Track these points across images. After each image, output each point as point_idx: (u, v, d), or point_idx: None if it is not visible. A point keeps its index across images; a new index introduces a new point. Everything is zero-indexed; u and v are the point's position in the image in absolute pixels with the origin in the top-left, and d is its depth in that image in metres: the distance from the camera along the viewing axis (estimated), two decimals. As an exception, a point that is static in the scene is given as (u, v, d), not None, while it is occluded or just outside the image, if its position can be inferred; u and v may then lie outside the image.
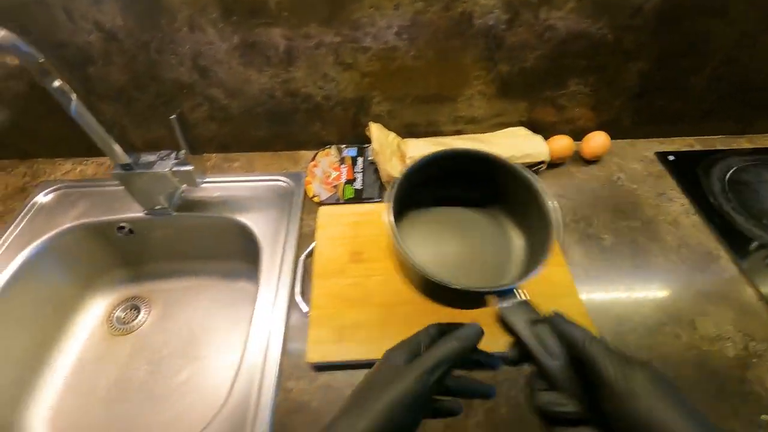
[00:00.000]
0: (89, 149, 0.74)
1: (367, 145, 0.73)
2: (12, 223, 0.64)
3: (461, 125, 0.72)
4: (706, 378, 0.47)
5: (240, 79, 0.63)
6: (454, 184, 0.44)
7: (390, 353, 0.31)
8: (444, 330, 0.32)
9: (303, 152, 0.75)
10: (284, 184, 0.69)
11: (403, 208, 0.42)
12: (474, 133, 0.72)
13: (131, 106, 0.67)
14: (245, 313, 0.69)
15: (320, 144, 0.74)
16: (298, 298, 0.53)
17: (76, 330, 0.67)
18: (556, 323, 0.29)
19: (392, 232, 0.35)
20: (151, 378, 0.63)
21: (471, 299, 0.34)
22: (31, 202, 0.67)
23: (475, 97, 0.67)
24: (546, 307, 0.49)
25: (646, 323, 0.51)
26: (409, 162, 0.39)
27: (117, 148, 0.55)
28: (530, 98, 0.67)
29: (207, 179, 0.65)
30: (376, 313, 0.51)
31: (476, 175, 0.43)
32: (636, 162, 0.71)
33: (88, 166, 0.74)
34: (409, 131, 0.72)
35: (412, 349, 0.30)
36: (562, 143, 0.68)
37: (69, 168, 0.74)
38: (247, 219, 0.64)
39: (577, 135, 0.70)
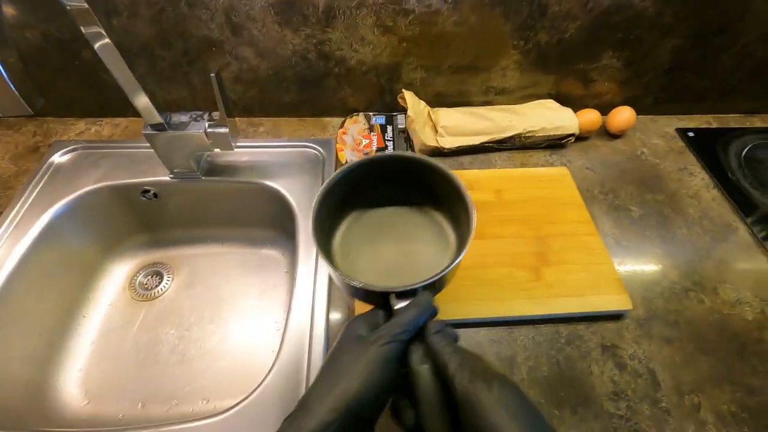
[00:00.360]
0: (102, 109, 0.71)
1: (395, 113, 0.72)
2: (30, 183, 0.61)
3: (491, 96, 0.72)
4: (727, 339, 0.50)
5: (274, 39, 0.60)
6: (387, 185, 0.44)
7: (352, 323, 0.32)
8: (389, 314, 0.33)
9: (328, 119, 0.74)
10: (314, 151, 0.68)
11: (340, 212, 0.44)
12: (503, 104, 0.72)
13: (155, 64, 0.63)
14: (274, 280, 0.70)
15: (346, 111, 0.73)
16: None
17: (99, 295, 0.66)
18: (431, 342, 0.29)
19: (313, 236, 0.36)
20: (181, 342, 0.63)
21: (378, 298, 0.34)
22: (48, 162, 0.64)
23: (510, 68, 0.67)
24: (583, 275, 0.52)
25: (673, 289, 0.54)
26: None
27: (150, 106, 0.52)
28: (563, 70, 0.68)
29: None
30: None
31: (404, 174, 0.43)
32: (658, 138, 0.73)
33: (104, 127, 0.71)
34: (438, 101, 0.72)
35: (371, 322, 0.32)
36: (591, 117, 0.69)
37: (83, 128, 0.70)
38: (279, 185, 0.63)
39: (602, 110, 0.71)
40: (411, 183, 0.44)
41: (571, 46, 0.63)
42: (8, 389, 0.49)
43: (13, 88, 0.29)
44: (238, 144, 0.67)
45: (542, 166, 0.67)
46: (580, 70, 0.68)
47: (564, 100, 0.71)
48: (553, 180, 0.63)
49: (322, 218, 0.39)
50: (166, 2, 0.56)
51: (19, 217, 0.57)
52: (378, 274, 0.41)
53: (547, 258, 0.53)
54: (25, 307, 0.54)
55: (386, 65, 0.65)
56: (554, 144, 0.69)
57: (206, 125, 0.56)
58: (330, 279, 0.53)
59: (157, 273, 0.70)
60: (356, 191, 0.43)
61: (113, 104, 0.70)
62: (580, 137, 0.70)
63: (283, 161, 0.66)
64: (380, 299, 0.34)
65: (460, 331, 0.48)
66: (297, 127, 0.72)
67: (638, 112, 0.72)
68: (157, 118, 0.54)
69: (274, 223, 0.69)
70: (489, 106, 0.71)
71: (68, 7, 0.40)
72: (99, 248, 0.67)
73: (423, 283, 0.33)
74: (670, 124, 0.75)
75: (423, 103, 0.70)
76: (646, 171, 0.68)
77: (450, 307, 0.49)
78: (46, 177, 0.62)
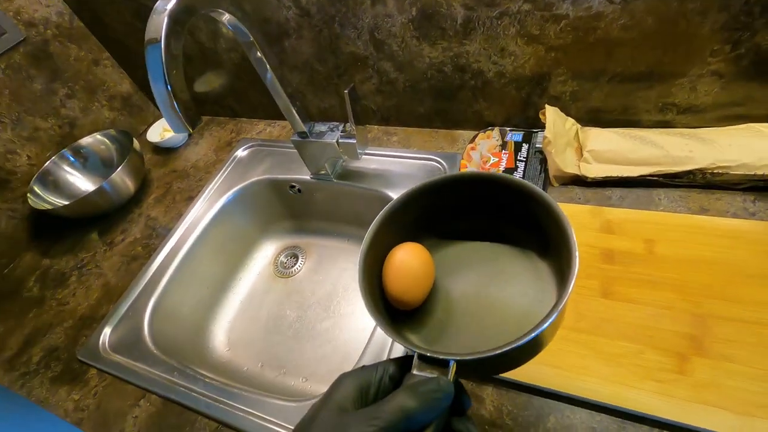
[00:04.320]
0: (277, 113, 0.85)
1: (536, 131, 0.64)
2: (219, 171, 0.79)
3: (671, 115, 0.56)
4: None
5: (412, 53, 0.61)
6: (474, 213, 0.35)
7: (341, 382, 0.26)
8: (404, 370, 0.26)
9: (461, 132, 0.71)
10: (438, 165, 0.66)
11: (413, 237, 0.35)
12: (688, 126, 0.55)
13: (313, 77, 0.73)
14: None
15: (482, 124, 0.68)
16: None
17: (251, 265, 0.81)
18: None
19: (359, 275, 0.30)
20: (297, 321, 0.72)
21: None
22: (233, 155, 0.81)
23: (704, 79, 0.50)
24: (757, 386, 0.36)
25: None
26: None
27: (297, 117, 0.60)
28: (799, 84, 0.47)
29: (367, 151, 0.68)
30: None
31: (506, 205, 0.33)
32: None
33: (275, 128, 0.86)
34: (593, 118, 0.60)
35: (362, 385, 0.25)
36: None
37: (262, 128, 0.87)
38: (396, 194, 0.64)
39: None
40: (508, 214, 0.34)
41: (818, 49, 0.43)
42: (179, 326, 0.66)
43: (180, 114, 0.37)
44: (368, 152, 0.71)
45: (734, 215, 0.49)
46: (835, 84, 0.46)
47: (797, 124, 0.50)
48: (743, 239, 0.45)
49: (378, 246, 0.33)
50: (323, 24, 0.63)
51: (209, 196, 0.75)
52: (437, 324, 0.33)
53: (704, 346, 0.39)
54: (201, 265, 0.72)
55: (529, 77, 0.58)
56: (762, 186, 0.49)
57: (339, 135, 0.61)
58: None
59: (294, 255, 0.82)
60: (433, 216, 0.36)
61: (284, 109, 0.83)
62: (818, 180, 0.48)
63: (407, 172, 0.67)
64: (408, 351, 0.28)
65: (552, 404, 0.40)
66: (428, 138, 0.72)
67: None
68: (302, 128, 0.62)
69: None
70: (662, 129, 0.56)
71: (241, 41, 0.50)
72: (256, 228, 0.82)
73: (458, 358, 0.24)
74: None
75: (571, 121, 0.60)
76: None
77: (549, 372, 0.41)
78: (231, 167, 0.80)
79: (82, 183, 0.81)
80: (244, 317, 0.75)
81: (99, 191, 0.71)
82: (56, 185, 0.78)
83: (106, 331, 0.60)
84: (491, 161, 0.63)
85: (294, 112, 0.59)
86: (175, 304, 0.66)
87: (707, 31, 0.46)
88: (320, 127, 0.63)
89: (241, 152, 0.82)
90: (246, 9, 0.63)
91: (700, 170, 0.50)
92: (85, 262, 0.72)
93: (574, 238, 0.27)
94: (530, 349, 0.27)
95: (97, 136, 0.81)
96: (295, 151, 0.77)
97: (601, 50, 0.51)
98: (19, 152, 0.76)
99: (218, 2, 0.43)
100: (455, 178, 0.34)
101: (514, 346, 0.23)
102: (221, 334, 0.73)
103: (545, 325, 0.24)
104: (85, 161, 0.81)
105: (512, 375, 0.42)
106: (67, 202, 0.73)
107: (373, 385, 0.26)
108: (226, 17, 0.45)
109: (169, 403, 0.51)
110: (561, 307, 0.24)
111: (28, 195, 0.73)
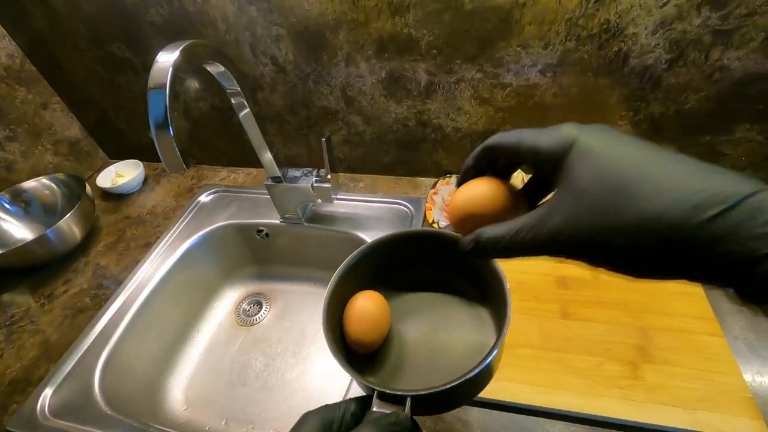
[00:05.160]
0: (242, 161, 0.87)
1: (488, 178, 0.73)
2: (181, 217, 0.77)
3: (595, 165, 0.68)
4: None
5: (380, 109, 0.68)
6: (424, 266, 0.38)
7: (307, 417, 0.27)
8: (363, 408, 0.28)
9: (422, 179, 0.78)
10: (404, 208, 0.72)
11: (372, 287, 0.37)
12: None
13: (282, 127, 0.77)
14: (353, 325, 0.73)
15: (440, 172, 0.76)
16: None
17: (212, 314, 0.77)
18: None
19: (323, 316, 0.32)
20: (266, 370, 0.69)
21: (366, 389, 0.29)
22: (196, 201, 0.80)
23: (617, 138, 0.63)
24: (696, 385, 0.43)
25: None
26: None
27: (273, 162, 0.63)
28: (683, 142, 0.61)
29: (337, 196, 0.71)
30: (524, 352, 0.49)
31: (451, 258, 0.36)
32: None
33: (239, 175, 0.86)
34: (534, 167, 0.70)
35: (326, 421, 0.27)
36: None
37: (225, 175, 0.87)
38: (368, 236, 0.68)
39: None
40: (454, 266, 0.37)
41: (692, 117, 0.57)
42: (133, 382, 0.60)
43: (179, 154, 0.39)
44: (338, 197, 0.75)
45: (653, 245, 0.59)
46: (707, 143, 0.60)
47: (686, 173, 0.63)
48: (664, 263, 0.55)
49: (339, 294, 0.35)
50: (299, 80, 0.68)
51: (169, 242, 0.72)
52: (393, 365, 0.35)
53: (649, 354, 0.46)
54: (159, 316, 0.67)
55: (481, 132, 0.68)
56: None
57: (313, 180, 0.65)
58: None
59: (258, 302, 0.80)
60: (389, 268, 0.38)
61: (249, 157, 0.85)
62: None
63: (375, 215, 0.72)
64: (367, 389, 0.29)
65: (532, 420, 0.44)
66: (393, 185, 0.78)
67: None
68: (277, 172, 0.64)
69: (360, 271, 0.73)
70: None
71: (227, 91, 0.53)
72: (219, 275, 0.80)
73: (414, 393, 0.26)
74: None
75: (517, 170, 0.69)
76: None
77: (525, 390, 0.45)
78: (193, 212, 0.78)
79: (18, 230, 0.74)
80: (205, 371, 0.69)
81: (41, 239, 0.65)
82: (-12, 232, 0.70)
83: (46, 393, 0.53)
84: (452, 204, 0.70)
85: (271, 157, 0.62)
86: (129, 359, 0.60)
87: (615, 101, 0.59)
88: (294, 173, 0.66)
89: (204, 197, 0.81)
90: (226, 63, 0.68)
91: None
92: (15, 318, 0.64)
93: (508, 287, 0.30)
94: (477, 383, 0.30)
95: (43, 180, 0.75)
96: (261, 196, 0.79)
97: (539, 112, 0.63)
98: (-56, 196, 0.68)
99: (214, 57, 0.47)
100: (408, 234, 0.37)
101: (460, 381, 0.26)
102: (178, 392, 0.66)
103: (485, 363, 0.27)
104: (26, 206, 0.74)
105: (493, 395, 0.45)
106: (-1, 251, 0.65)
107: (336, 422, 0.27)
108: (219, 69, 0.48)
109: (129, 469, 0.46)
110: (499, 347, 0.28)
111: (-50, 243, 0.65)
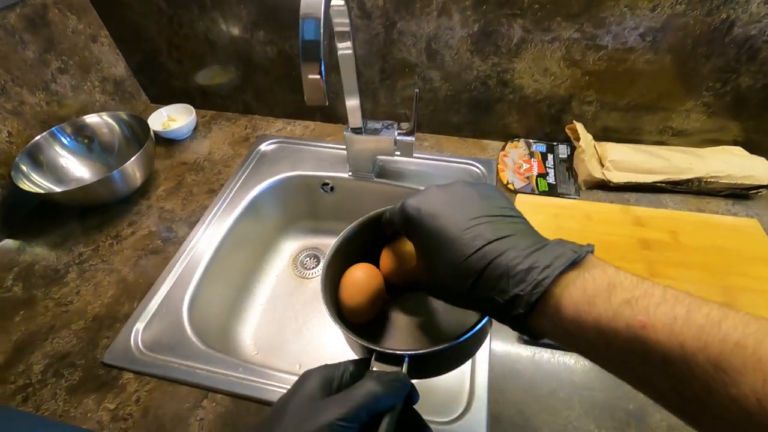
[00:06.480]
0: (297, 113, 0.85)
1: (555, 143, 0.74)
2: (243, 164, 0.75)
3: (666, 136, 0.69)
4: None
5: (462, 64, 0.67)
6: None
7: (306, 377, 0.28)
8: (361, 369, 0.29)
9: (488, 141, 0.78)
10: (476, 169, 0.72)
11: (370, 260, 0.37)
12: (678, 146, 0.70)
13: (353, 79, 0.74)
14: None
15: (507, 136, 0.77)
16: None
17: (270, 267, 0.77)
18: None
19: (323, 296, 0.33)
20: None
21: (362, 352, 0.31)
22: (256, 150, 0.78)
23: (697, 109, 0.64)
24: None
25: None
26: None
27: (359, 111, 0.62)
28: (764, 117, 0.63)
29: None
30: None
31: None
32: None
33: (297, 127, 0.84)
34: (605, 135, 0.71)
35: (327, 378, 0.28)
36: (791, 170, 0.62)
37: (280, 126, 0.85)
38: (442, 194, 0.68)
39: (803, 165, 0.64)
40: None
41: (778, 92, 0.59)
42: (209, 325, 0.60)
43: (324, 86, 0.38)
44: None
45: (722, 215, 0.62)
46: (784, 120, 0.63)
47: (755, 149, 0.66)
48: (739, 231, 0.58)
49: (336, 265, 0.35)
50: (382, 28, 0.66)
51: (234, 189, 0.71)
52: (394, 333, 0.35)
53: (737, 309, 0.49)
54: (229, 263, 0.66)
55: (561, 96, 0.68)
56: (738, 194, 0.64)
57: (396, 133, 0.64)
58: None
59: (315, 256, 0.80)
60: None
61: (305, 110, 0.83)
62: (772, 191, 0.64)
63: (446, 174, 0.72)
64: (364, 353, 0.30)
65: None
66: (459, 145, 0.78)
67: None
68: (359, 122, 0.63)
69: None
70: (664, 146, 0.69)
71: (337, 30, 0.51)
72: (278, 225, 0.79)
73: (410, 352, 0.28)
74: None
75: (590, 136, 0.71)
76: None
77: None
78: (255, 161, 0.76)
79: (75, 167, 0.71)
80: (269, 319, 0.70)
81: (106, 181, 0.62)
82: (47, 166, 0.67)
83: (137, 328, 0.53)
84: (524, 167, 0.71)
85: (359, 104, 0.60)
86: (206, 304, 0.60)
87: (707, 71, 0.60)
88: (374, 125, 0.65)
89: (264, 147, 0.79)
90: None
91: (698, 179, 0.63)
92: (85, 257, 0.62)
93: None
94: (469, 347, 0.32)
95: (105, 116, 0.72)
96: (323, 149, 0.77)
97: (626, 78, 0.63)
98: (0, 127, 0.64)
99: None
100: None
101: (455, 343, 0.28)
102: (247, 337, 0.67)
103: (476, 329, 0.29)
104: (89, 143, 0.71)
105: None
106: (60, 189, 0.63)
107: (336, 380, 0.28)
108: (342, 6, 0.46)
109: (240, 401, 0.47)
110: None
111: (12, 173, 0.62)
